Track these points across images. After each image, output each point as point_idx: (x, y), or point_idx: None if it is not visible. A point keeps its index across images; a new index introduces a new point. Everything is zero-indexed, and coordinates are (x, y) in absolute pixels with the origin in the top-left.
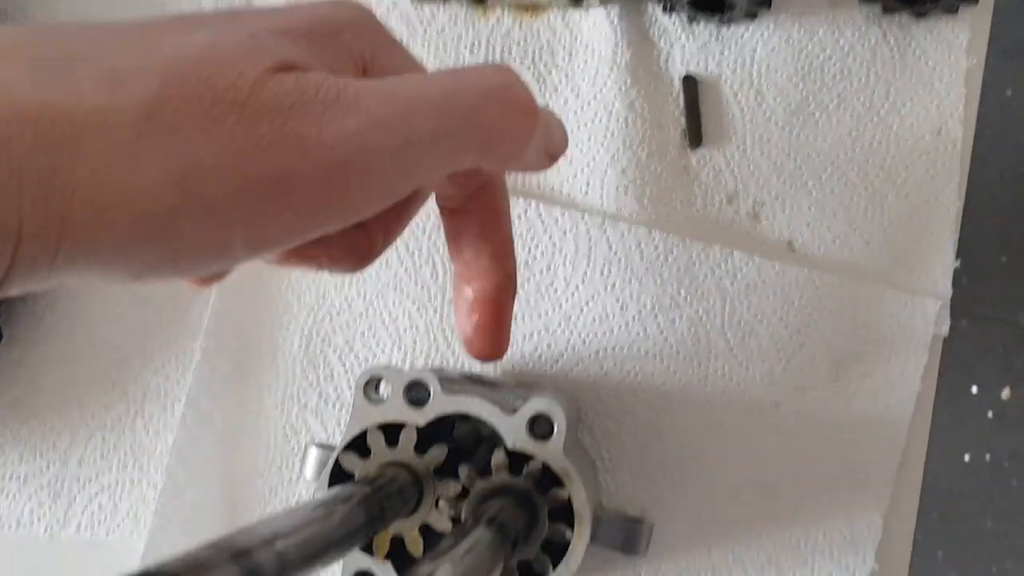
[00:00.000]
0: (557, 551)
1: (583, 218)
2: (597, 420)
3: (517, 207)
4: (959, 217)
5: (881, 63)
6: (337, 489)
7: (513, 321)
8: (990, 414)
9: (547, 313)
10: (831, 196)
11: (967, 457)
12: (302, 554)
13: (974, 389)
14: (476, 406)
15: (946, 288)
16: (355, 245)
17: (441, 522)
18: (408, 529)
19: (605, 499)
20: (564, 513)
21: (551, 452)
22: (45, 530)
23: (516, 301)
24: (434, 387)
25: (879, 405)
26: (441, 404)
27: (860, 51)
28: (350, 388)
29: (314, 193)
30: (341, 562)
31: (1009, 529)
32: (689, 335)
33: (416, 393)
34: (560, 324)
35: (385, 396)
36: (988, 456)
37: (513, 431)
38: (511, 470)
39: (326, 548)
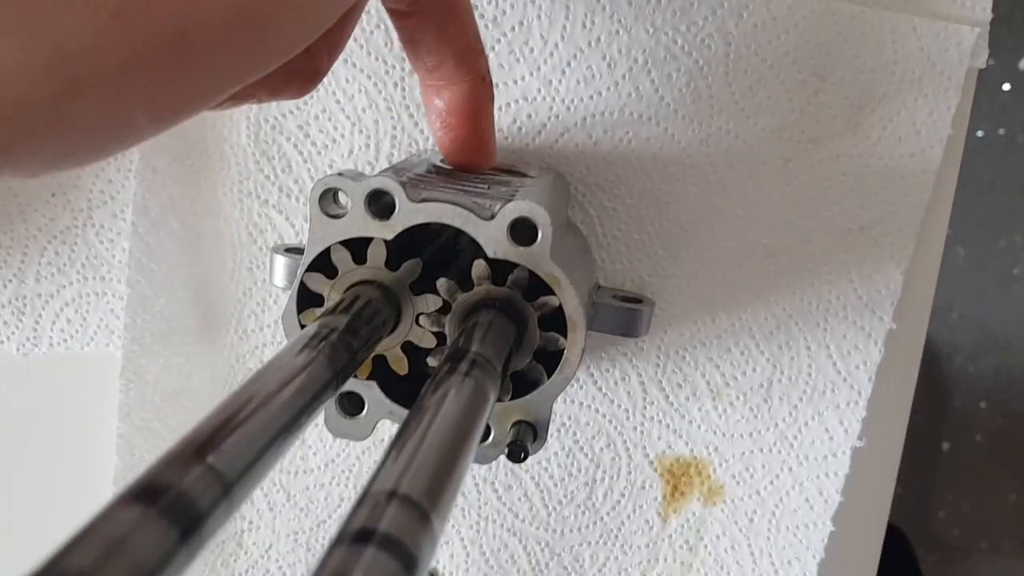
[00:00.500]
0: (550, 358)
1: None
2: (589, 194)
3: None
4: None
5: None
6: (296, 348)
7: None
8: (1007, 86)
9: (524, 78)
10: None
11: (980, 133)
12: (252, 449)
13: (990, 61)
14: (449, 214)
15: (985, 11)
16: (296, 71)
17: (425, 339)
18: (389, 348)
19: (602, 278)
20: (555, 319)
21: (536, 258)
22: (17, 349)
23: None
24: (399, 196)
25: (903, 153)
26: (409, 214)
27: None
28: (312, 178)
29: (221, 44)
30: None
31: (1020, 204)
32: (688, 91)
33: (379, 204)
34: (540, 90)
35: (346, 208)
36: (1002, 131)
37: (493, 239)
38: (494, 280)
39: (286, 426)
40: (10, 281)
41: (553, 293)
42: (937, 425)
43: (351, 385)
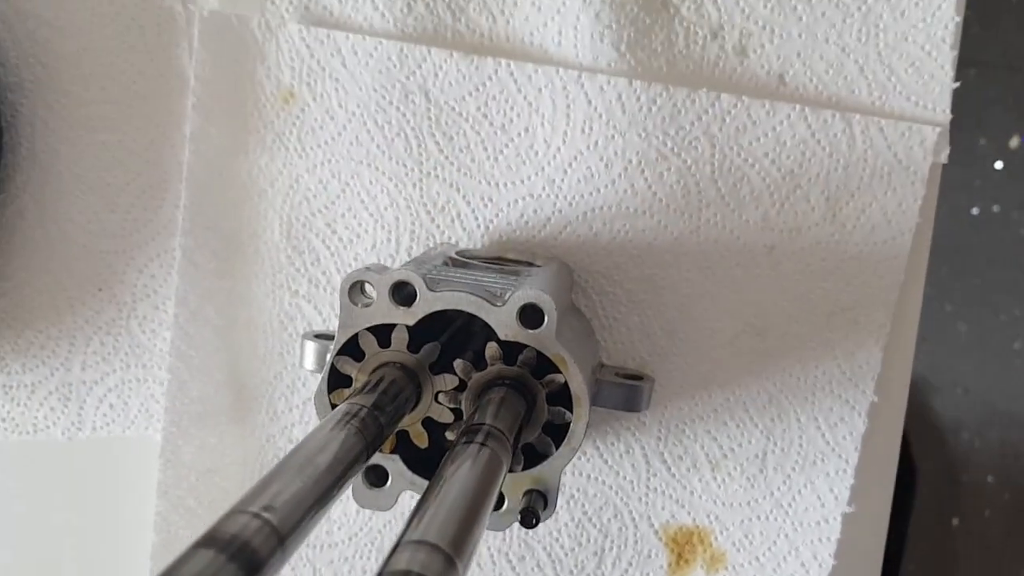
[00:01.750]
0: (558, 431)
1: (558, 73)
2: (591, 280)
3: (486, 68)
4: (959, 31)
5: None
6: (330, 424)
7: (496, 189)
8: (998, 164)
9: (530, 178)
10: (822, 20)
11: (975, 211)
12: (300, 509)
13: (982, 141)
14: (464, 302)
15: (945, 112)
16: None
17: (443, 415)
18: (411, 423)
19: (605, 357)
20: (562, 395)
21: (543, 340)
22: (62, 433)
23: (497, 168)
24: (419, 286)
25: (877, 240)
26: (428, 302)
27: None
28: (338, 271)
29: None
30: None
31: (1019, 278)
32: (679, 187)
33: (402, 293)
34: (544, 188)
35: (372, 298)
36: (996, 208)
37: (504, 323)
38: (505, 360)
39: (327, 490)
40: (57, 370)
41: (560, 371)
42: (946, 501)
43: (376, 459)
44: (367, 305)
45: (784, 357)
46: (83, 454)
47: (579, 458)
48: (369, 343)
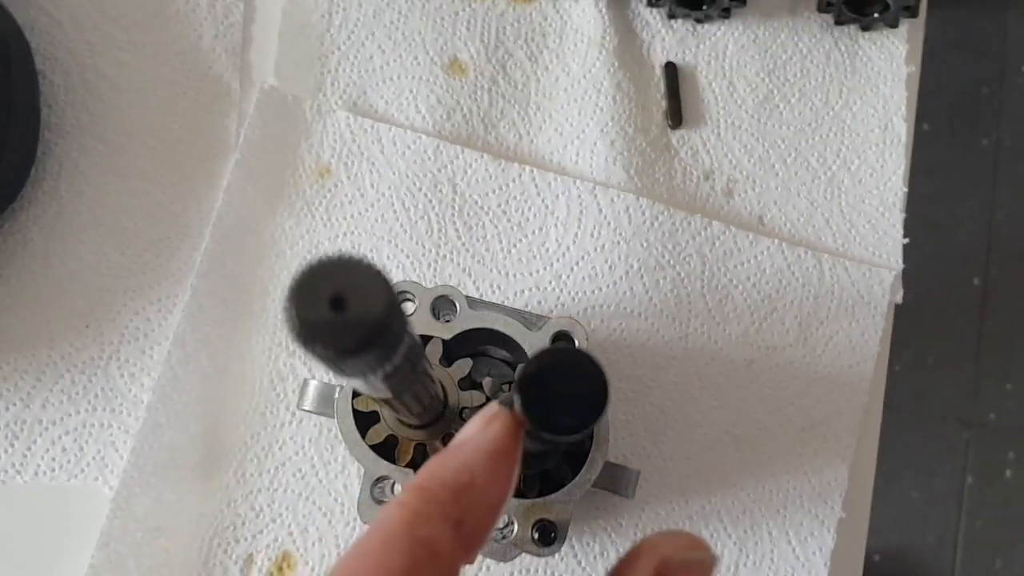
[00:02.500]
0: (576, 461)
1: (575, 183)
2: None
3: (511, 171)
4: (904, 201)
5: (834, 66)
6: None
7: (505, 279)
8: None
9: (538, 272)
10: (795, 178)
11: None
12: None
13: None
14: (502, 322)
15: (898, 261)
16: None
17: None
18: (432, 439)
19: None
20: None
21: None
22: None
23: (509, 259)
24: (460, 303)
25: (843, 364)
26: (468, 319)
27: (816, 55)
28: None
29: None
30: (362, 471)
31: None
32: (672, 295)
33: (443, 308)
34: (551, 282)
35: (412, 309)
36: None
37: (537, 347)
38: None
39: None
40: (14, 404)
41: None
42: None
43: (386, 470)
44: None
45: (759, 468)
46: (20, 498)
47: (555, 558)
48: None
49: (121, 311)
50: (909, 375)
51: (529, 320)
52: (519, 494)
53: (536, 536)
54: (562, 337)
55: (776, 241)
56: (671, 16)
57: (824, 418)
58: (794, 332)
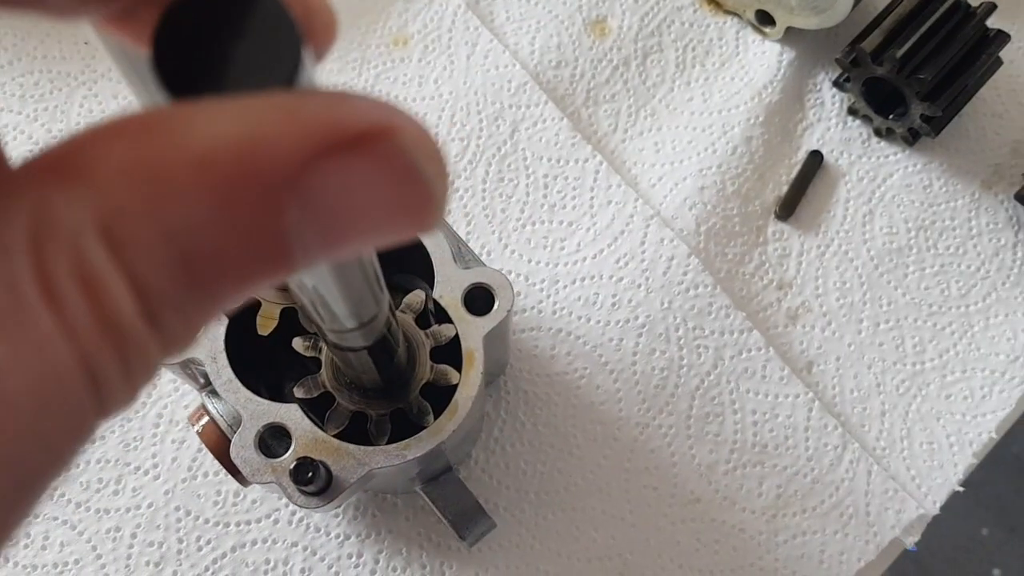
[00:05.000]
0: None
1: (636, 202)
2: (517, 383)
3: (582, 151)
4: (989, 446)
5: (997, 264)
6: None
7: (502, 249)
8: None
9: (539, 263)
10: (877, 348)
11: None
12: None
13: None
14: (433, 242)
15: (935, 505)
16: None
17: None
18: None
19: (467, 472)
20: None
21: (473, 328)
22: None
23: (519, 233)
24: None
25: (799, 571)
26: None
27: (984, 243)
28: None
29: None
30: None
31: None
32: (658, 375)
33: None
34: (544, 281)
35: None
36: None
37: (449, 286)
38: (418, 321)
39: None
40: None
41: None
42: None
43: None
44: None
45: None
46: None
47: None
48: None
49: None
50: None
51: (463, 255)
52: (363, 438)
53: (292, 468)
54: (478, 290)
55: (810, 395)
56: (851, 111)
57: None
58: (766, 501)
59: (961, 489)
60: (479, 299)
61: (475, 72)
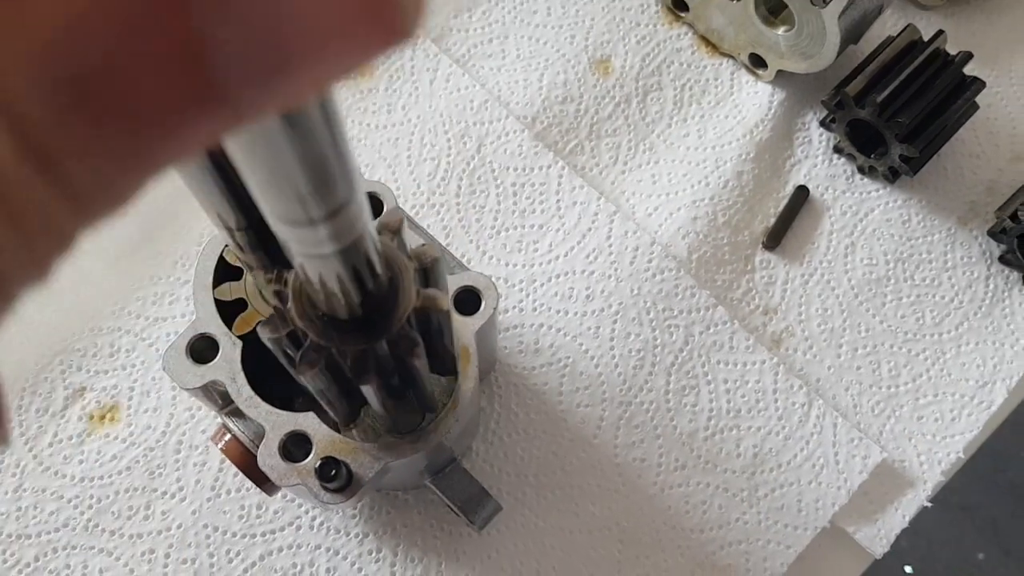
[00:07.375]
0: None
1: (597, 200)
2: (504, 378)
3: (544, 158)
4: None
5: (969, 296)
6: None
7: (480, 255)
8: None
9: (515, 266)
10: (852, 370)
11: None
12: None
13: None
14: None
15: (903, 521)
16: None
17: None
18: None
19: (469, 463)
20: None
21: (464, 327)
22: None
23: (494, 240)
24: (389, 204)
25: (780, 522)
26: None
27: (958, 276)
28: None
29: None
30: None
31: None
32: (635, 357)
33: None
34: (522, 281)
35: None
36: None
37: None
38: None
39: None
40: None
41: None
42: None
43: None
44: None
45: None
46: None
47: (372, 566)
48: None
49: None
50: None
51: (447, 262)
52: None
53: (317, 467)
54: (468, 293)
55: (775, 360)
56: (836, 150)
57: (726, 567)
58: (744, 461)
59: (930, 505)
60: (467, 301)
61: (439, 96)
